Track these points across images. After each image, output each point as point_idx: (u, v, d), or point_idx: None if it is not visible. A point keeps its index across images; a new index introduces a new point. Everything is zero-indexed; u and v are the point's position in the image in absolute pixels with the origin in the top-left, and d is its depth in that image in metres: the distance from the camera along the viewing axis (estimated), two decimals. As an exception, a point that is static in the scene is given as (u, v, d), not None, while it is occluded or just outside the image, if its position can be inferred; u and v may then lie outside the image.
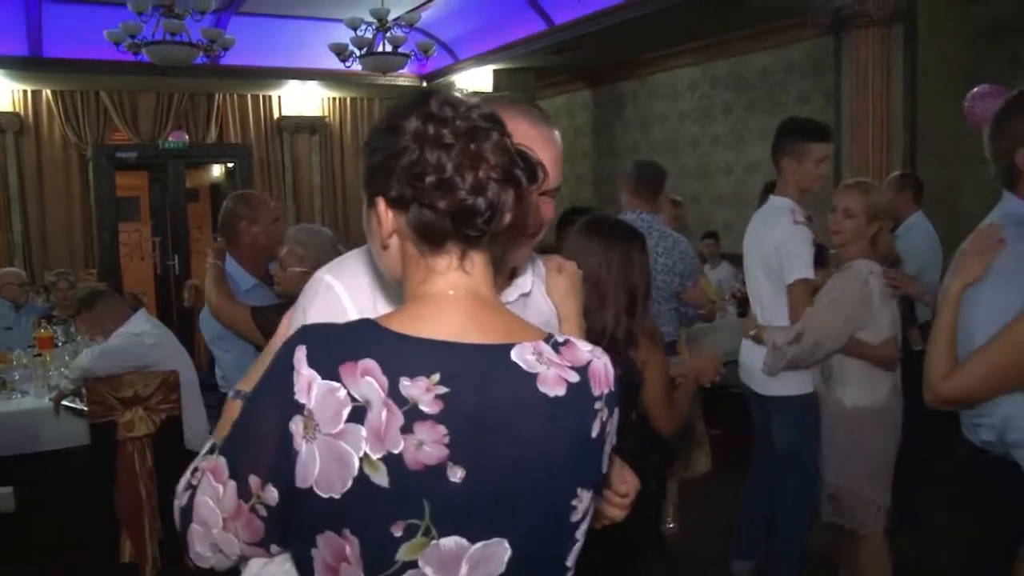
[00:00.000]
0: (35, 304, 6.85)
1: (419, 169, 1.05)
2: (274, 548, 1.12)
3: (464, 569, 1.03)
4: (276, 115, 10.72)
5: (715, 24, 7.98)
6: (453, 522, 1.03)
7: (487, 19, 8.94)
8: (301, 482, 1.02)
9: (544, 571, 1.13)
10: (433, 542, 1.02)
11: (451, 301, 1.10)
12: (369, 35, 7.82)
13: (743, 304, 5.85)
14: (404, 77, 10.15)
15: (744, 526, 3.84)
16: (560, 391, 1.07)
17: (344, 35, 7.93)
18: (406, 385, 1.01)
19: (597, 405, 1.11)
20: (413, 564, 1.02)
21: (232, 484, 1.08)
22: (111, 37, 7.20)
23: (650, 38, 8.50)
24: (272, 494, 1.05)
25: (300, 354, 1.04)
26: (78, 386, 3.69)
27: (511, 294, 1.48)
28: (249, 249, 3.17)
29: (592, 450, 1.11)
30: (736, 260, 5.58)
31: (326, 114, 11.07)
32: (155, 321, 4.10)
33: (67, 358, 4.58)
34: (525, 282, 1.51)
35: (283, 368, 1.05)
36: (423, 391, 1.01)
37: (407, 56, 7.98)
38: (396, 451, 1.00)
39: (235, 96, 10.41)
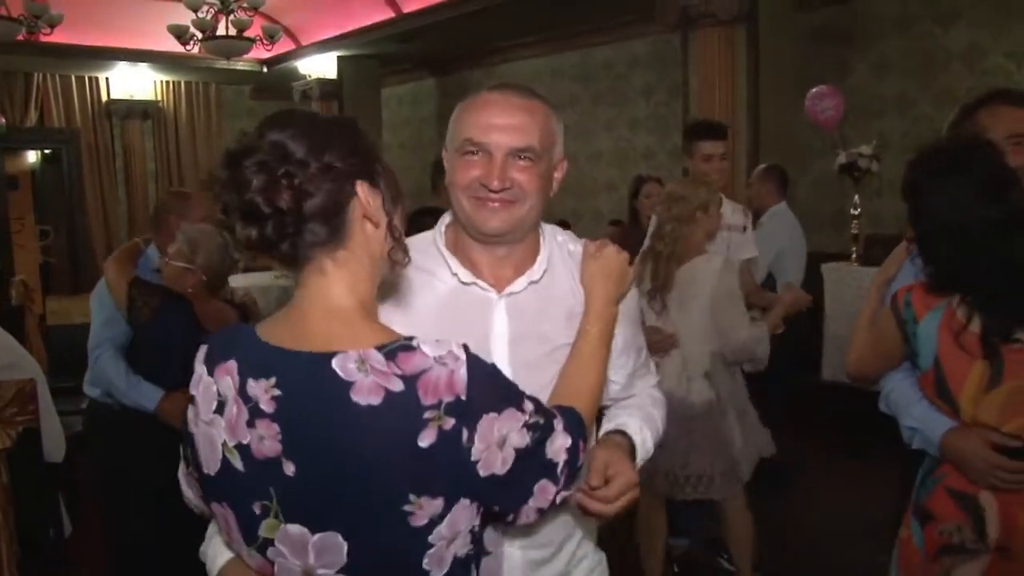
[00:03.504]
0: None
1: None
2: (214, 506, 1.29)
3: (312, 555, 1.14)
4: (104, 98, 10.11)
5: (560, 16, 8.11)
6: (293, 510, 1.14)
7: (332, 4, 8.74)
8: (199, 459, 1.22)
9: (393, 568, 1.16)
10: (282, 525, 1.15)
11: (296, 310, 1.22)
12: (210, 17, 7.49)
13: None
14: (244, 62, 9.77)
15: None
16: (375, 400, 1.08)
17: (181, 16, 7.55)
18: (252, 385, 1.15)
19: (428, 415, 1.09)
20: (271, 542, 1.17)
21: (182, 450, 1.30)
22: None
23: (496, 28, 8.56)
24: (193, 466, 1.26)
25: (201, 352, 1.24)
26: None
27: (519, 283, 1.56)
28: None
29: (429, 459, 1.09)
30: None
31: (159, 98, 10.55)
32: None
33: None
34: (536, 270, 1.57)
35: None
36: (263, 392, 1.13)
37: (251, 41, 7.69)
38: (245, 441, 1.15)
39: (57, 76, 9.77)
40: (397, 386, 1.09)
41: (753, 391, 3.49)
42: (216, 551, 1.35)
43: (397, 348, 1.12)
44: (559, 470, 1.22)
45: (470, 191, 1.50)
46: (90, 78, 9.97)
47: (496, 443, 1.14)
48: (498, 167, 1.47)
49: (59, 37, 7.88)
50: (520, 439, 1.16)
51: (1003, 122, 2.13)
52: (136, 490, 2.93)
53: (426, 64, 10.64)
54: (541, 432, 1.20)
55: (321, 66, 9.90)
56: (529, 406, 1.20)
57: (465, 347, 1.15)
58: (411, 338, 1.14)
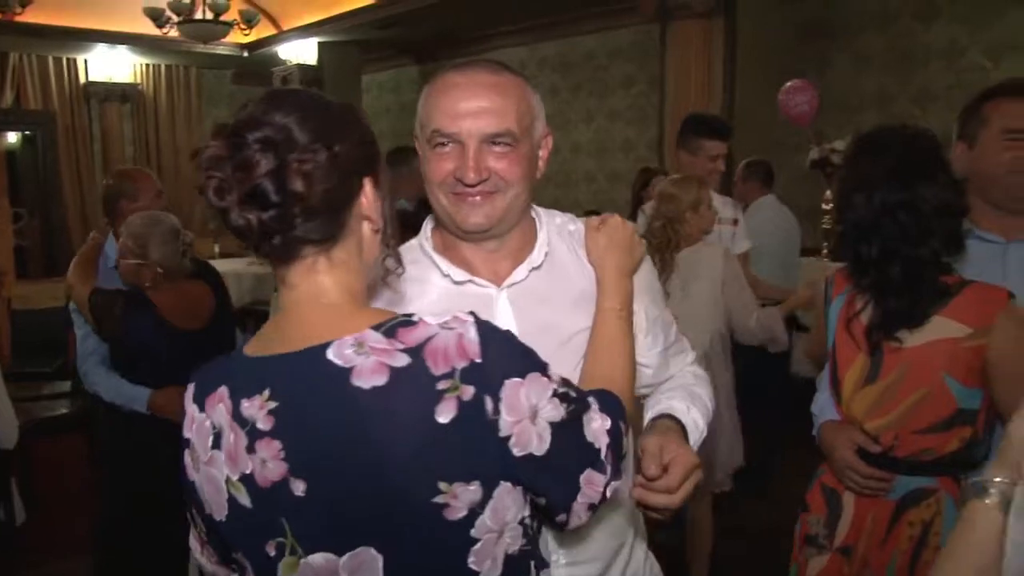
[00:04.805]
0: None
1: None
2: (235, 566, 1.16)
3: None
4: (83, 80, 10.00)
5: (542, 6, 8.08)
6: (312, 538, 1.02)
7: (313, -11, 8.68)
8: (205, 509, 1.09)
9: (438, 574, 1.04)
10: (302, 560, 1.02)
11: (284, 314, 1.10)
12: (188, 0, 7.42)
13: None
14: (224, 46, 9.68)
15: None
16: (380, 380, 0.97)
17: (159, -2, 7.49)
18: (245, 406, 1.03)
19: (443, 384, 0.97)
20: None
21: (188, 515, 1.17)
22: None
23: (479, 15, 8.52)
24: (199, 521, 1.13)
25: (188, 393, 1.12)
26: None
27: (519, 272, 1.43)
28: None
29: (452, 437, 0.98)
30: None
31: (139, 81, 10.44)
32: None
33: None
34: (536, 256, 1.45)
35: None
36: (257, 409, 1.02)
37: (229, 25, 7.63)
38: (248, 471, 1.02)
39: (34, 57, 9.63)
40: (402, 361, 0.98)
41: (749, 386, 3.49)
42: None
43: (396, 324, 1.01)
44: (603, 456, 1.09)
45: (446, 187, 1.37)
46: (68, 60, 9.86)
47: (528, 415, 1.01)
48: (472, 158, 1.33)
49: (34, 17, 7.79)
50: (554, 411, 1.04)
51: (1000, 116, 2.02)
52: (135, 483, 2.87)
53: (408, 51, 10.56)
54: (576, 405, 1.07)
55: (302, 51, 9.80)
56: (555, 375, 1.07)
57: (472, 312, 1.04)
58: (410, 315, 1.03)
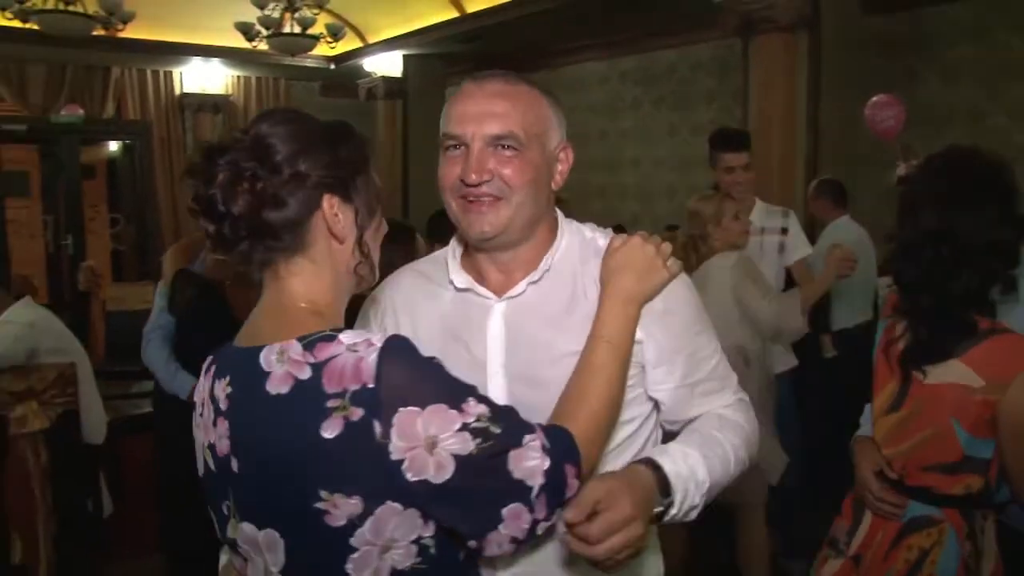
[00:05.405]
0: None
1: None
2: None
3: (265, 552, 1.14)
4: (178, 92, 10.37)
5: (623, 20, 8.06)
6: (243, 509, 1.16)
7: (399, 4, 8.83)
8: (197, 464, 1.27)
9: (321, 571, 1.11)
10: (240, 524, 1.17)
11: (255, 312, 1.25)
12: (277, 15, 7.64)
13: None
14: (312, 59, 9.95)
15: None
16: (284, 389, 1.08)
17: (250, 12, 7.73)
18: (217, 386, 1.18)
19: (332, 403, 1.04)
20: (235, 542, 1.20)
21: None
22: (-4, 1, 6.81)
23: (560, 30, 8.54)
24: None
25: (205, 364, 1.26)
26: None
27: (520, 286, 1.42)
28: None
29: (336, 452, 1.04)
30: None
31: (231, 92, 10.77)
32: (40, 310, 3.86)
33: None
34: (538, 269, 1.42)
35: None
36: (221, 391, 1.17)
37: (316, 39, 7.82)
38: (212, 441, 1.18)
39: (134, 71, 10.02)
40: (306, 374, 1.08)
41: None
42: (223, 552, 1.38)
43: (318, 338, 1.10)
44: (534, 495, 1.08)
45: (454, 191, 1.38)
46: (164, 72, 10.23)
47: (424, 444, 1.04)
48: (475, 158, 1.34)
49: (134, 33, 8.13)
50: (460, 444, 1.05)
51: None
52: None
53: (490, 64, 10.63)
54: (495, 442, 1.07)
55: (387, 64, 9.99)
56: (477, 408, 1.08)
57: (396, 336, 1.10)
58: (340, 329, 1.12)
